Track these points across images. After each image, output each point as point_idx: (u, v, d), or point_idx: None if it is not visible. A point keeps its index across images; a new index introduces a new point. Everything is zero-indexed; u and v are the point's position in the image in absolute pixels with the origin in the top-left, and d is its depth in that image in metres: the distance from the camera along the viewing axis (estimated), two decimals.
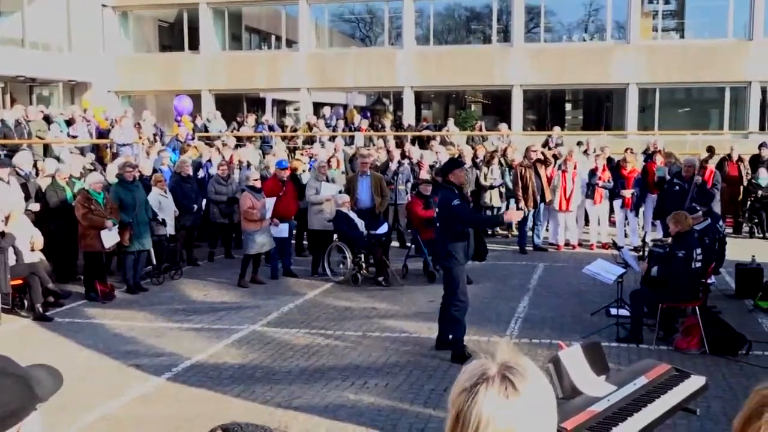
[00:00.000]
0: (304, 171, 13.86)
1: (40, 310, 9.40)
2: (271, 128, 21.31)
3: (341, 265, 11.73)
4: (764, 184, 15.32)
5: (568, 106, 28.65)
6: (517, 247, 13.93)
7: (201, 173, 14.13)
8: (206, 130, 20.71)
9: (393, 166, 14.85)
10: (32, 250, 9.96)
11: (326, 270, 11.83)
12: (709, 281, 8.92)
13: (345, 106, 25.84)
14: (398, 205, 14.13)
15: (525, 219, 13.51)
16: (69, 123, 18.19)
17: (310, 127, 21.10)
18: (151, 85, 26.34)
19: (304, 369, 7.36)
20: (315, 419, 6.07)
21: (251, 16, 28.10)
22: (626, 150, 14.75)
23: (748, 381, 6.79)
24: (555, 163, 14.44)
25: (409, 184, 14.42)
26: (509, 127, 21.91)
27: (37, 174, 12.34)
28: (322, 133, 20.39)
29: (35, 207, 10.95)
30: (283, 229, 11.85)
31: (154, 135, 18.91)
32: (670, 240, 8.66)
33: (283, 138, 20.78)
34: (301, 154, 16.79)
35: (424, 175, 14.25)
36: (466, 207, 7.87)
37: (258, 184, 11.51)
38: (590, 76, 23.58)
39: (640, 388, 4.37)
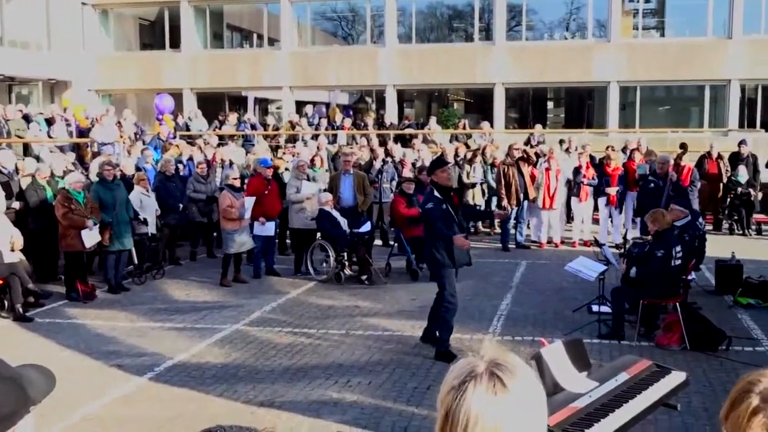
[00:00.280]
0: (286, 170, 13.83)
1: (20, 310, 9.32)
2: (253, 127, 21.23)
3: (324, 264, 11.73)
4: (743, 182, 15.46)
5: (550, 104, 28.79)
6: (500, 245, 13.98)
7: (184, 171, 14.03)
8: (188, 129, 20.61)
9: (377, 164, 14.87)
10: (12, 250, 9.84)
11: (309, 269, 11.82)
12: (689, 278, 8.99)
13: (327, 105, 25.79)
14: (383, 203, 14.15)
15: (508, 217, 13.57)
16: (49, 122, 18.03)
17: (292, 125, 21.03)
18: (132, 84, 26.13)
19: (287, 368, 7.35)
20: (298, 418, 6.05)
21: (233, 14, 27.97)
22: (607, 148, 14.84)
23: (728, 376, 6.86)
24: (537, 161, 14.51)
25: (394, 183, 14.43)
26: (491, 125, 21.99)
27: (17, 173, 12.22)
28: (304, 131, 20.37)
29: (16, 205, 10.85)
30: (269, 228, 11.83)
31: (135, 134, 18.80)
32: (649, 238, 8.71)
33: (266, 137, 20.73)
34: (284, 153, 16.75)
35: (407, 173, 14.28)
36: (435, 212, 7.39)
37: (237, 183, 11.47)
38: (572, 74, 23.68)
39: (622, 384, 4.40)
